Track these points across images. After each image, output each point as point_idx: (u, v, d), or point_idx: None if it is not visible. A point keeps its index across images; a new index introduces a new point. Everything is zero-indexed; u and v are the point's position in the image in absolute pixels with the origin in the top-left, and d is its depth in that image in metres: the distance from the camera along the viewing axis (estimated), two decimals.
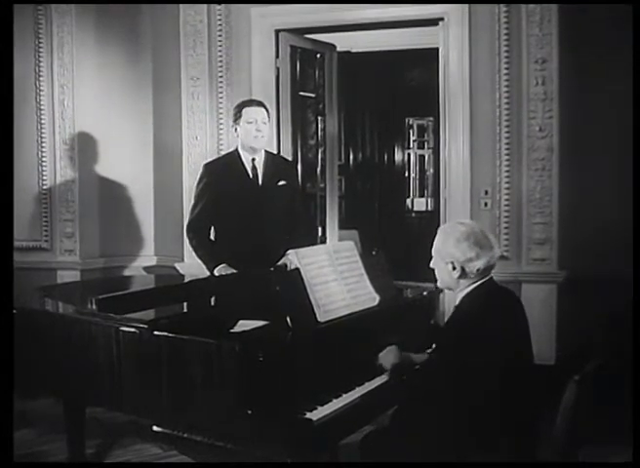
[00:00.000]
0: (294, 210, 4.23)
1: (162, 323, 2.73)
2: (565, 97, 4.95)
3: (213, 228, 4.17)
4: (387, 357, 2.81)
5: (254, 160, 4.11)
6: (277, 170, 4.18)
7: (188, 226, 4.16)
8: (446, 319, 2.90)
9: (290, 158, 5.33)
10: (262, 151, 4.16)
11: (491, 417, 2.45)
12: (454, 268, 2.62)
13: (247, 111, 4.06)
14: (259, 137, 4.05)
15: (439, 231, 2.73)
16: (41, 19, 5.61)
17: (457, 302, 2.69)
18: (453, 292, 2.73)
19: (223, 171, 4.12)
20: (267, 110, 4.16)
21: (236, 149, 4.17)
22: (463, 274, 2.62)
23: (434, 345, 3.04)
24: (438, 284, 2.78)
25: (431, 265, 2.75)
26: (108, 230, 5.83)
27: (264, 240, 3.98)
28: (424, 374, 2.74)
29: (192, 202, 4.20)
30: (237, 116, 4.09)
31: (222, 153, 5.34)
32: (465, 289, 2.65)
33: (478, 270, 2.61)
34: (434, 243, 2.71)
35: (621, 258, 4.33)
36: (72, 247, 5.70)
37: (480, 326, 2.50)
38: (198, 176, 4.19)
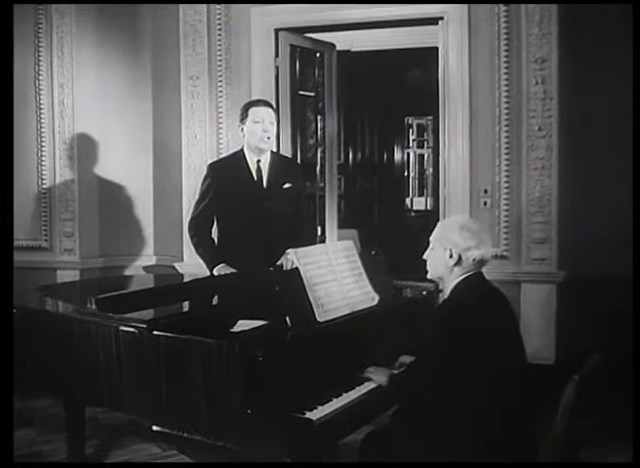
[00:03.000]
0: (298, 211, 4.19)
1: (161, 322, 2.73)
2: (564, 96, 4.95)
3: (215, 227, 4.16)
4: (379, 376, 2.79)
5: (259, 161, 4.06)
6: (282, 172, 4.13)
7: (190, 223, 4.15)
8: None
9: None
10: (268, 152, 4.11)
11: (490, 417, 2.45)
12: (451, 256, 2.67)
13: (254, 111, 4.00)
14: (265, 139, 3.99)
15: (440, 224, 2.81)
16: (41, 19, 5.61)
17: (447, 292, 2.73)
18: (442, 282, 2.77)
19: (228, 172, 4.08)
20: (275, 111, 4.11)
21: (241, 149, 4.12)
22: (459, 262, 2.66)
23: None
24: (429, 274, 2.82)
25: (425, 255, 2.80)
26: (108, 230, 5.83)
27: (266, 241, 3.94)
28: (417, 371, 2.74)
29: (196, 199, 4.18)
30: (244, 116, 4.02)
31: (222, 153, 5.36)
32: (455, 280, 2.69)
33: (474, 260, 2.65)
34: (434, 232, 2.77)
35: (621, 258, 4.32)
36: (72, 246, 5.70)
37: (471, 316, 2.53)
38: (203, 175, 4.18)
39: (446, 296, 2.73)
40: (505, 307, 2.70)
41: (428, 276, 2.84)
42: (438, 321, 2.67)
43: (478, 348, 2.46)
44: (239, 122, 4.08)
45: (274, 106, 4.17)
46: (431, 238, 2.77)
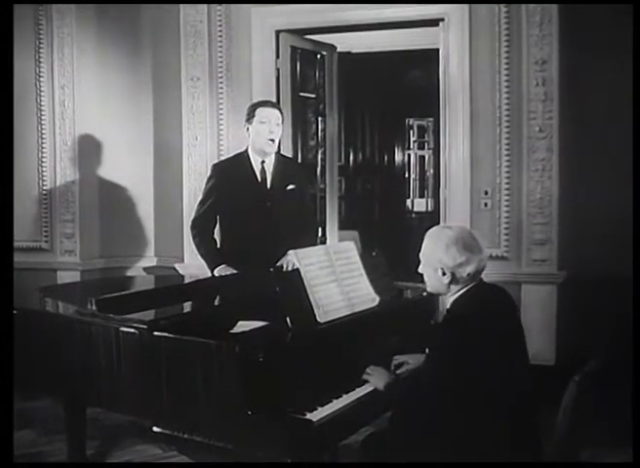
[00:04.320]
0: (301, 212, 4.19)
1: (162, 323, 2.73)
2: (565, 97, 4.95)
3: (218, 227, 4.16)
4: (377, 380, 2.77)
5: (263, 162, 4.07)
6: (287, 173, 4.13)
7: (193, 223, 4.15)
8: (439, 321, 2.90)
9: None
10: (273, 153, 4.11)
11: (490, 418, 2.45)
12: (444, 274, 2.59)
13: (260, 111, 4.01)
14: (270, 140, 3.99)
15: (427, 236, 2.68)
16: (41, 20, 5.61)
17: (447, 306, 2.66)
18: (443, 296, 2.71)
19: (232, 172, 4.09)
20: (282, 112, 4.11)
21: (246, 150, 4.12)
22: (454, 280, 2.60)
23: (427, 350, 3.01)
24: (428, 289, 2.74)
25: (420, 270, 2.72)
26: (108, 231, 5.83)
27: (268, 242, 3.94)
28: (419, 379, 2.73)
29: (199, 199, 4.19)
30: (250, 116, 4.03)
31: (223, 154, 5.37)
32: (456, 293, 2.63)
33: (469, 275, 2.58)
34: (422, 248, 2.67)
35: (622, 259, 4.33)
36: (72, 247, 5.70)
37: (471, 329, 2.48)
38: (207, 176, 4.20)
39: (447, 307, 2.67)
40: (509, 313, 2.65)
41: (427, 290, 2.76)
42: (440, 335, 2.66)
43: (480, 360, 2.44)
44: (245, 121, 4.08)
45: (280, 108, 4.17)
46: (421, 255, 2.68)
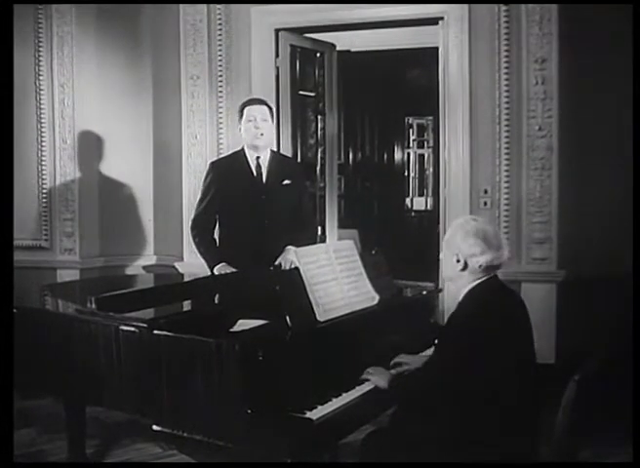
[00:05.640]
0: (299, 210, 4.22)
1: (162, 322, 2.73)
2: (565, 96, 4.95)
3: (217, 225, 4.18)
4: (378, 379, 2.77)
5: (258, 158, 4.12)
6: (282, 169, 4.18)
7: (193, 222, 4.19)
8: (447, 316, 2.90)
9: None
10: (268, 150, 4.18)
11: (491, 417, 2.45)
12: (458, 261, 2.65)
13: (248, 109, 4.09)
14: (258, 135, 4.05)
15: (452, 224, 2.77)
16: (41, 19, 5.60)
17: (459, 298, 2.70)
18: (453, 284, 2.74)
19: (228, 169, 4.14)
20: (270, 108, 4.17)
21: (242, 148, 4.18)
22: (466, 268, 2.64)
23: (435, 343, 3.03)
24: (442, 274, 2.82)
25: (440, 256, 2.80)
26: (108, 229, 5.83)
27: (266, 239, 3.98)
28: (424, 374, 2.73)
29: (198, 197, 4.23)
30: (240, 115, 4.12)
31: (222, 152, 5.38)
32: (468, 284, 2.66)
33: (480, 266, 2.62)
34: (446, 234, 2.76)
35: (621, 258, 4.33)
36: (72, 246, 5.70)
37: (481, 323, 2.51)
38: (204, 173, 4.23)
39: (459, 300, 2.70)
40: (519, 314, 2.67)
41: (442, 275, 2.85)
42: (449, 328, 2.67)
43: (486, 356, 2.45)
44: (238, 122, 4.16)
45: (268, 103, 4.22)
46: (443, 241, 2.77)
